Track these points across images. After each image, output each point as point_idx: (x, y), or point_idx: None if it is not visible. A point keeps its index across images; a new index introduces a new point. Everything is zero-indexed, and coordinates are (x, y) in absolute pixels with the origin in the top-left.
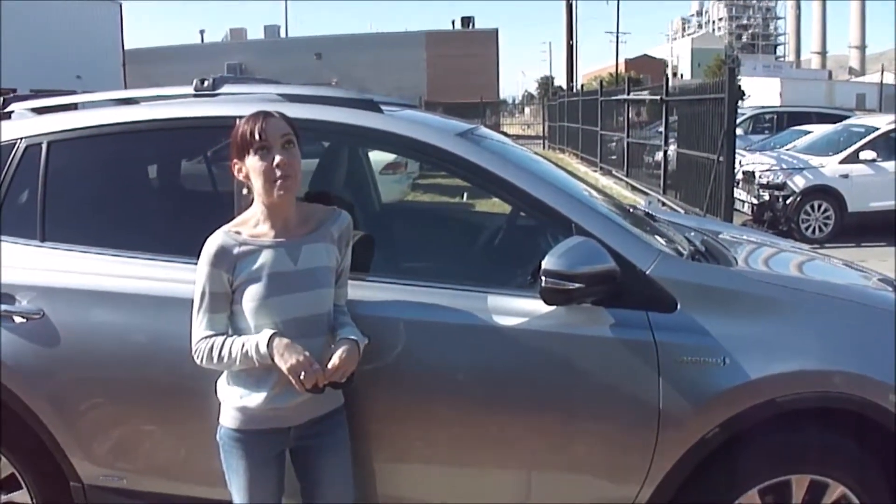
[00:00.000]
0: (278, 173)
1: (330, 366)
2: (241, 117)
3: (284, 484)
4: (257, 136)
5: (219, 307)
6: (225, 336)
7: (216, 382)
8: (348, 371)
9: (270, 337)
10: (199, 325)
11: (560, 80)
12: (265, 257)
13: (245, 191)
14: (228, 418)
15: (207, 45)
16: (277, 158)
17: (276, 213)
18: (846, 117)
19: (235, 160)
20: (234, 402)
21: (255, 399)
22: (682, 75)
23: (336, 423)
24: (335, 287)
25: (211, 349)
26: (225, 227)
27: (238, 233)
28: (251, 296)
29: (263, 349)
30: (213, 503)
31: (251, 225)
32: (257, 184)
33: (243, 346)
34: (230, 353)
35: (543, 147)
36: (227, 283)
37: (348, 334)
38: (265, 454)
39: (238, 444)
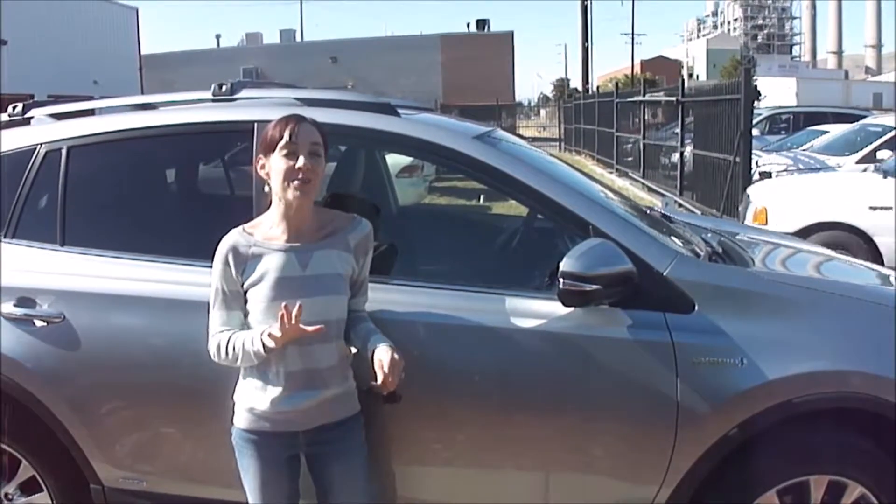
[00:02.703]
0: (299, 176)
1: (388, 368)
2: (259, 122)
3: (299, 488)
4: (287, 137)
5: (232, 305)
6: (232, 332)
7: (234, 384)
8: (399, 369)
9: (263, 331)
10: (214, 322)
11: (576, 82)
12: (274, 260)
13: (266, 188)
14: (240, 419)
15: (224, 50)
16: (301, 162)
17: (291, 218)
18: (863, 117)
19: (260, 156)
20: (245, 402)
21: (263, 400)
22: (697, 76)
23: (349, 431)
24: (355, 296)
25: (219, 345)
26: (240, 227)
27: (251, 234)
28: (258, 297)
29: (258, 345)
30: None
31: (266, 227)
32: (276, 182)
33: (243, 342)
34: (234, 348)
35: (559, 149)
36: (238, 282)
37: (379, 342)
38: (275, 456)
39: (248, 445)
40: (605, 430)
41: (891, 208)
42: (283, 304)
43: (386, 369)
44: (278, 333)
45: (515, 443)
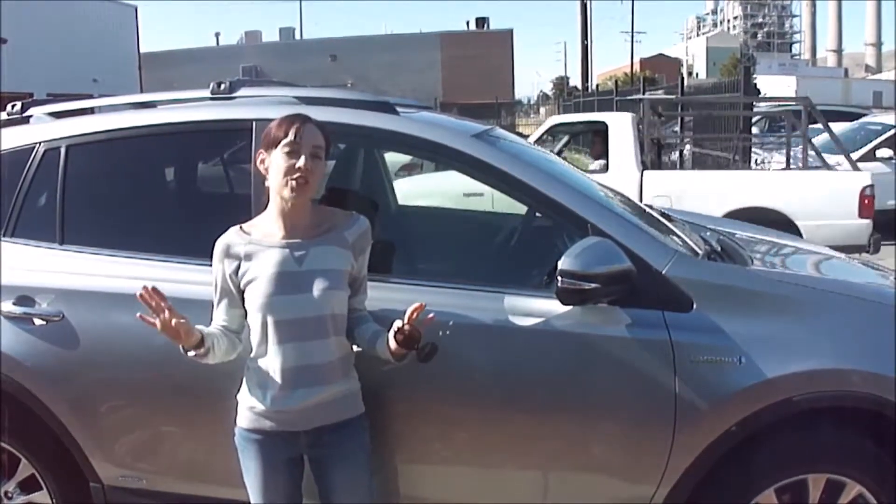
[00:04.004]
0: (297, 175)
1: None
2: (257, 120)
3: (301, 489)
4: (291, 136)
5: (232, 303)
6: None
7: (240, 385)
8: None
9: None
10: (217, 320)
11: (575, 80)
12: (270, 257)
13: (266, 182)
14: (242, 418)
15: (223, 48)
16: (302, 161)
17: (287, 215)
18: (862, 115)
19: (262, 151)
20: (246, 402)
21: (263, 399)
22: (697, 74)
23: (352, 433)
24: (355, 294)
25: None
26: (237, 227)
27: (248, 233)
28: (255, 294)
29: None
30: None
31: (263, 225)
32: (274, 179)
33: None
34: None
35: None
36: (236, 281)
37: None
38: (276, 457)
39: (250, 445)
40: (604, 429)
41: (482, 195)
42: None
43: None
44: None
45: (514, 441)
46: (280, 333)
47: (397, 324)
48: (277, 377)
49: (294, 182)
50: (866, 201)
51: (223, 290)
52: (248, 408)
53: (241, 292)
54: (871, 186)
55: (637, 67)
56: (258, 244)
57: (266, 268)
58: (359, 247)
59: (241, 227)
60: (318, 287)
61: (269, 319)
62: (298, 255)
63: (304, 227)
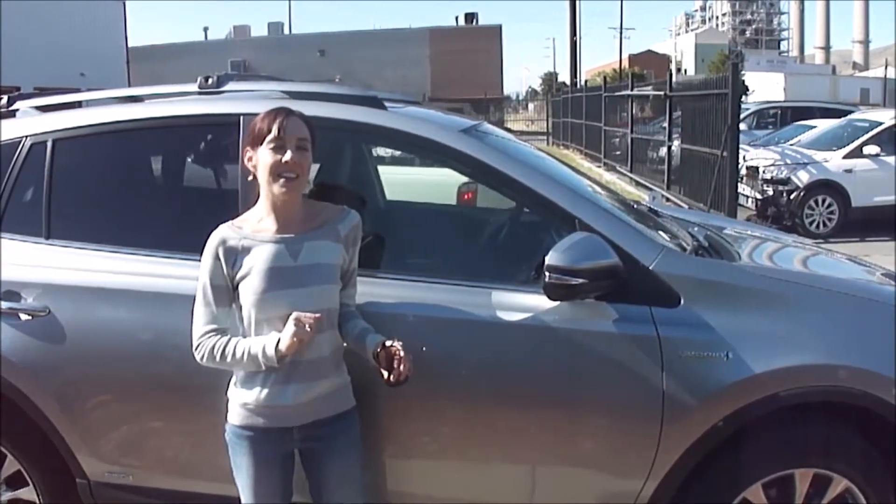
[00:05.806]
0: (285, 171)
1: (398, 361)
2: (245, 115)
3: (292, 486)
4: (275, 132)
5: (220, 300)
6: (229, 336)
7: (229, 381)
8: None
9: (279, 340)
10: (200, 319)
11: (564, 76)
12: (265, 252)
13: (251, 177)
14: (233, 415)
15: (211, 42)
16: (289, 156)
17: (279, 210)
18: (850, 112)
19: (248, 149)
20: (238, 398)
21: (256, 396)
22: (685, 71)
23: (344, 426)
24: (345, 287)
25: (213, 348)
26: (228, 222)
27: (240, 227)
28: (250, 290)
29: (271, 351)
30: (219, 499)
31: (255, 220)
32: (263, 176)
33: (250, 348)
34: (234, 354)
35: (547, 143)
36: (228, 277)
37: (377, 339)
38: (269, 453)
39: (242, 442)
40: (591, 424)
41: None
42: (295, 315)
43: (402, 355)
44: (286, 342)
45: (502, 437)
46: (274, 328)
47: (385, 344)
48: (273, 374)
49: (283, 178)
50: (465, 196)
51: (213, 288)
52: (240, 404)
53: (234, 289)
54: (467, 184)
55: (626, 64)
56: (252, 239)
57: (260, 263)
58: (350, 240)
59: (232, 223)
60: (312, 282)
61: (264, 315)
62: (293, 250)
63: (297, 222)
